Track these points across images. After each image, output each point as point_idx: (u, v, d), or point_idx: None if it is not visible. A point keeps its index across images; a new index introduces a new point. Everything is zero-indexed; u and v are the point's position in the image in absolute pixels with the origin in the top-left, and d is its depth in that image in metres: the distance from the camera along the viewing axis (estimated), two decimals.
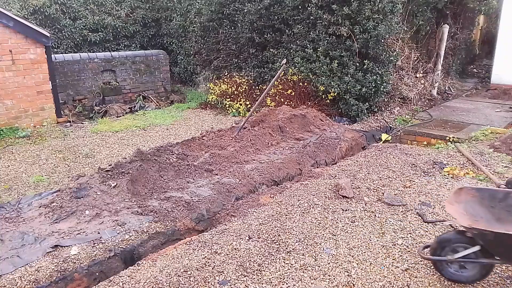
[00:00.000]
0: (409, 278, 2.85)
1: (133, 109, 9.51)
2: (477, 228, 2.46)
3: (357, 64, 7.67)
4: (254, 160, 5.22)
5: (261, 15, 8.68)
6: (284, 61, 5.98)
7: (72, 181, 4.33)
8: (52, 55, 8.34)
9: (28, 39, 7.64)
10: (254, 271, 2.91)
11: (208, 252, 3.14)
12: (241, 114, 8.69)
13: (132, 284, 2.79)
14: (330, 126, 6.61)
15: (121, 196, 4.06)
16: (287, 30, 8.48)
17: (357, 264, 3.02)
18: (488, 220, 2.66)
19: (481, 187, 3.02)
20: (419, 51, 10.12)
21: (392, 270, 2.94)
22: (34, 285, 2.84)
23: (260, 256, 3.09)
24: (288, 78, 8.31)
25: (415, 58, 9.84)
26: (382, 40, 7.65)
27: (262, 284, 2.79)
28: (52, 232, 3.44)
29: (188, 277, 2.83)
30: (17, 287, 2.81)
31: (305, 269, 2.95)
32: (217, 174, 4.76)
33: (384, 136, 7.20)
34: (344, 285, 2.78)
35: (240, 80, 9.44)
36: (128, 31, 11.70)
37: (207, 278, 2.82)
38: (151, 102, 10.04)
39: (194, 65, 11.37)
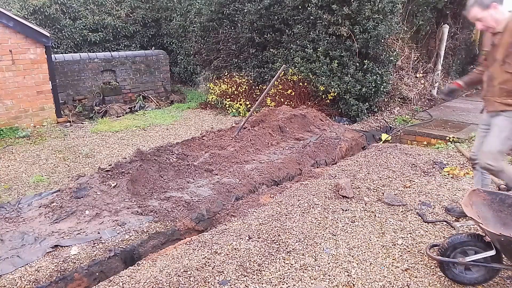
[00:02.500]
0: (409, 278, 2.85)
1: (133, 109, 9.51)
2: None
3: (357, 64, 7.67)
4: (254, 160, 5.22)
5: (261, 15, 8.68)
6: (284, 66, 6.08)
7: (72, 181, 4.33)
8: (52, 55, 8.34)
9: (28, 39, 7.63)
10: (254, 271, 2.91)
11: (208, 252, 3.14)
12: (241, 114, 8.69)
13: (132, 284, 2.79)
14: (330, 126, 6.61)
15: (121, 196, 4.06)
16: (287, 30, 8.47)
17: (357, 264, 3.02)
18: (495, 224, 2.62)
19: (493, 190, 2.99)
20: (419, 51, 10.11)
21: (392, 270, 2.94)
22: (34, 285, 2.84)
23: (260, 256, 3.09)
24: (288, 78, 8.31)
25: (415, 58, 9.84)
26: (382, 40, 7.65)
27: (262, 284, 2.79)
28: (52, 232, 3.44)
29: (188, 277, 2.83)
30: (17, 287, 2.81)
31: (305, 269, 2.95)
32: (217, 174, 4.76)
33: (384, 136, 7.20)
34: (344, 285, 2.78)
35: (240, 80, 9.44)
36: (128, 31, 11.70)
37: (207, 278, 2.82)
38: (151, 102, 10.04)
39: (194, 65, 11.36)
